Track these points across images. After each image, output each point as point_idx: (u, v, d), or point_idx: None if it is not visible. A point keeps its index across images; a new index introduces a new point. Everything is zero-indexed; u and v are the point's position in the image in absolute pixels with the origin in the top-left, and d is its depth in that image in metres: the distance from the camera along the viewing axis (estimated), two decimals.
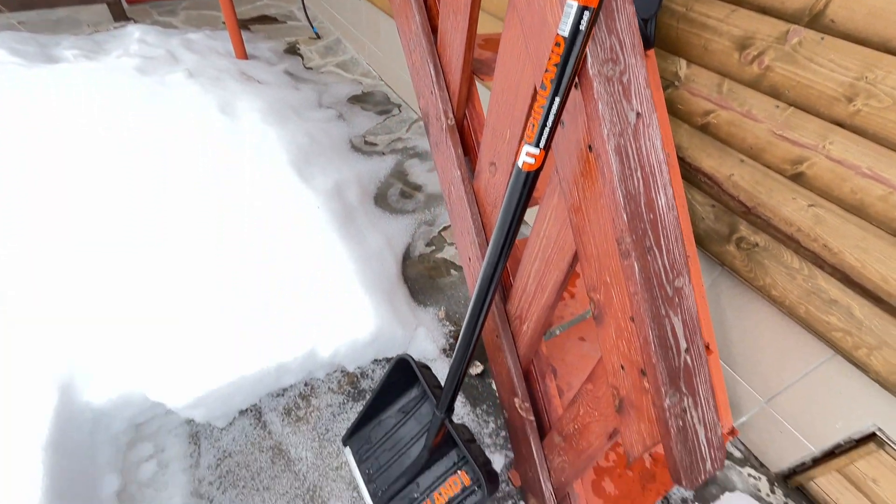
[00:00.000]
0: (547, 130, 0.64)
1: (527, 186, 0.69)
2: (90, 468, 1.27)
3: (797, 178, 1.17)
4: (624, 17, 0.64)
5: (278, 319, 1.53)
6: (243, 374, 1.39)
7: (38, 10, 3.72)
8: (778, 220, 1.24)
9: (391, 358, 1.69)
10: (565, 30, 0.58)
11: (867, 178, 1.04)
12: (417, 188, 2.66)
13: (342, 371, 1.74)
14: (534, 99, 0.66)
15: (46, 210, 1.73)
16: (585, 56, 0.63)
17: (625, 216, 0.64)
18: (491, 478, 1.12)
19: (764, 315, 1.40)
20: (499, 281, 0.85)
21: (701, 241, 1.47)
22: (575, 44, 0.58)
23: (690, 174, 1.42)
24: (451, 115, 1.07)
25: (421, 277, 2.14)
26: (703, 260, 1.51)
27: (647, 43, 1.28)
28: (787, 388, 1.42)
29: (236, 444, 1.55)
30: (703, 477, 0.72)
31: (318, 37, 4.16)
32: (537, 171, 0.69)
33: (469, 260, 1.18)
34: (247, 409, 1.61)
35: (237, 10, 3.35)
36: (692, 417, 0.70)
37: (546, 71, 0.62)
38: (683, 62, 1.33)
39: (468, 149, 1.14)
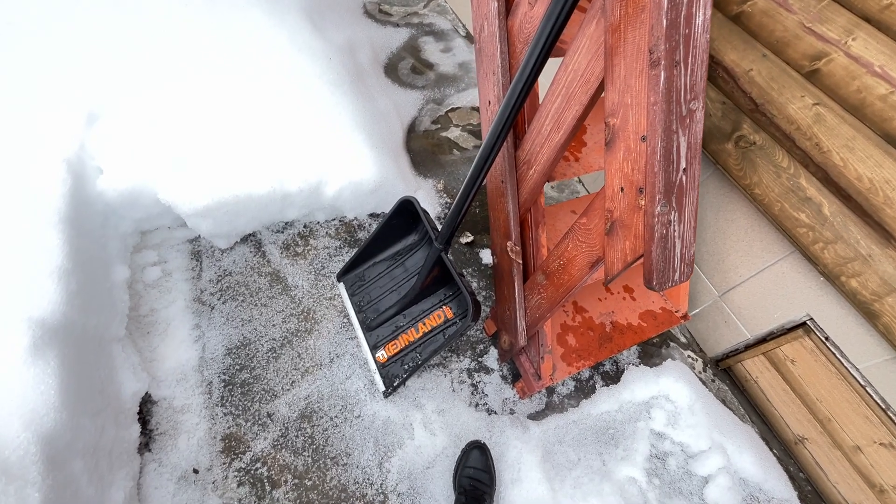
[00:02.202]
0: None
1: None
2: (102, 254, 1.35)
3: (811, 76, 1.21)
4: None
5: (288, 150, 1.55)
6: (251, 193, 1.44)
7: None
8: (781, 119, 1.30)
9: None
10: None
11: (875, 77, 1.09)
12: (429, 66, 2.58)
13: (340, 220, 1.82)
14: None
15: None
16: None
17: (664, 22, 0.68)
18: (475, 305, 1.26)
19: (741, 214, 1.52)
20: (522, 103, 0.90)
21: (703, 139, 1.54)
22: None
23: (710, 68, 1.44)
24: None
25: (423, 151, 2.17)
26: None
27: None
28: (742, 283, 1.59)
29: (236, 265, 1.65)
30: (670, 283, 0.84)
31: None
32: None
33: (489, 103, 1.21)
34: (248, 238, 1.70)
35: None
36: (674, 230, 0.81)
37: None
38: None
39: None
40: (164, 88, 1.57)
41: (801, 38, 1.21)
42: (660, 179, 0.76)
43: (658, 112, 0.73)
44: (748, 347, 1.63)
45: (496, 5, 1.08)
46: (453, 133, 2.29)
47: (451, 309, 1.45)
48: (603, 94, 0.89)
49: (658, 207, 0.77)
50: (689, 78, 0.73)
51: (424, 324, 1.47)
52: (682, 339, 1.83)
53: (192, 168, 1.42)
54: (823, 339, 1.39)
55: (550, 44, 0.82)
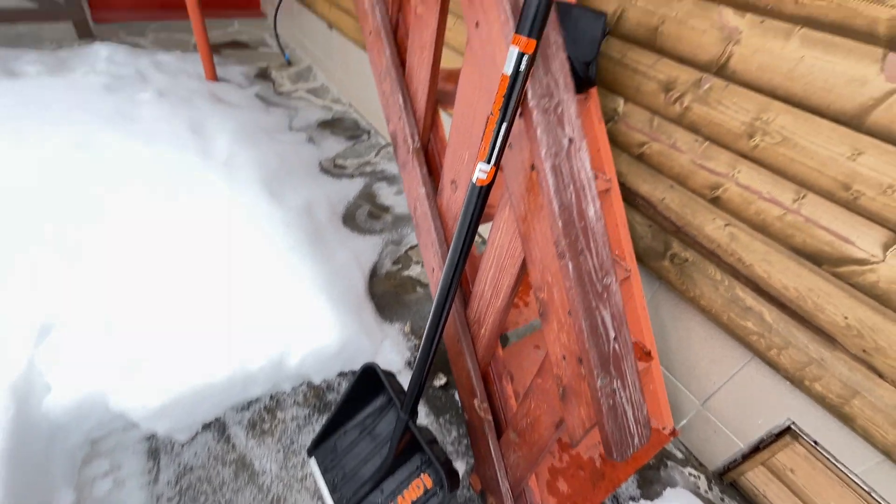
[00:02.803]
0: (496, 150, 0.76)
1: (480, 198, 0.81)
2: (44, 482, 1.24)
3: (714, 202, 1.36)
4: (557, 61, 0.78)
5: (246, 328, 1.56)
6: (209, 382, 1.41)
7: None
8: (702, 238, 1.42)
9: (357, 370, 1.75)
10: (509, 69, 0.72)
11: (767, 202, 1.23)
12: (385, 209, 2.76)
13: (308, 384, 1.77)
14: (487, 124, 0.78)
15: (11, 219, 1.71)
16: (526, 91, 0.76)
17: (560, 223, 0.77)
18: (451, 475, 1.19)
19: (696, 323, 1.57)
20: (457, 284, 0.95)
21: (641, 258, 1.64)
22: (517, 81, 0.72)
23: (630, 197, 1.60)
24: (417, 138, 1.19)
25: (387, 294, 2.22)
26: (643, 275, 1.68)
27: (590, 82, 1.47)
28: (718, 390, 1.58)
29: (198, 458, 1.53)
30: (631, 451, 0.83)
31: (290, 63, 4.28)
32: (489, 186, 0.81)
33: (433, 270, 1.28)
34: (210, 423, 1.61)
35: (209, 36, 3.43)
36: (621, 398, 0.82)
37: (495, 102, 0.75)
38: (621, 100, 1.53)
39: (432, 169, 1.26)
40: (118, 284, 1.60)
41: (696, 173, 1.37)
42: (593, 355, 0.79)
43: (575, 295, 0.78)
44: (745, 457, 1.56)
45: (424, 190, 1.20)
46: (415, 270, 2.38)
47: (429, 476, 1.36)
48: None
49: (599, 381, 0.79)
50: (596, 260, 0.80)
51: (404, 497, 1.36)
52: (679, 455, 1.74)
53: (145, 367, 1.39)
54: (812, 443, 1.35)
55: (473, 228, 0.90)
